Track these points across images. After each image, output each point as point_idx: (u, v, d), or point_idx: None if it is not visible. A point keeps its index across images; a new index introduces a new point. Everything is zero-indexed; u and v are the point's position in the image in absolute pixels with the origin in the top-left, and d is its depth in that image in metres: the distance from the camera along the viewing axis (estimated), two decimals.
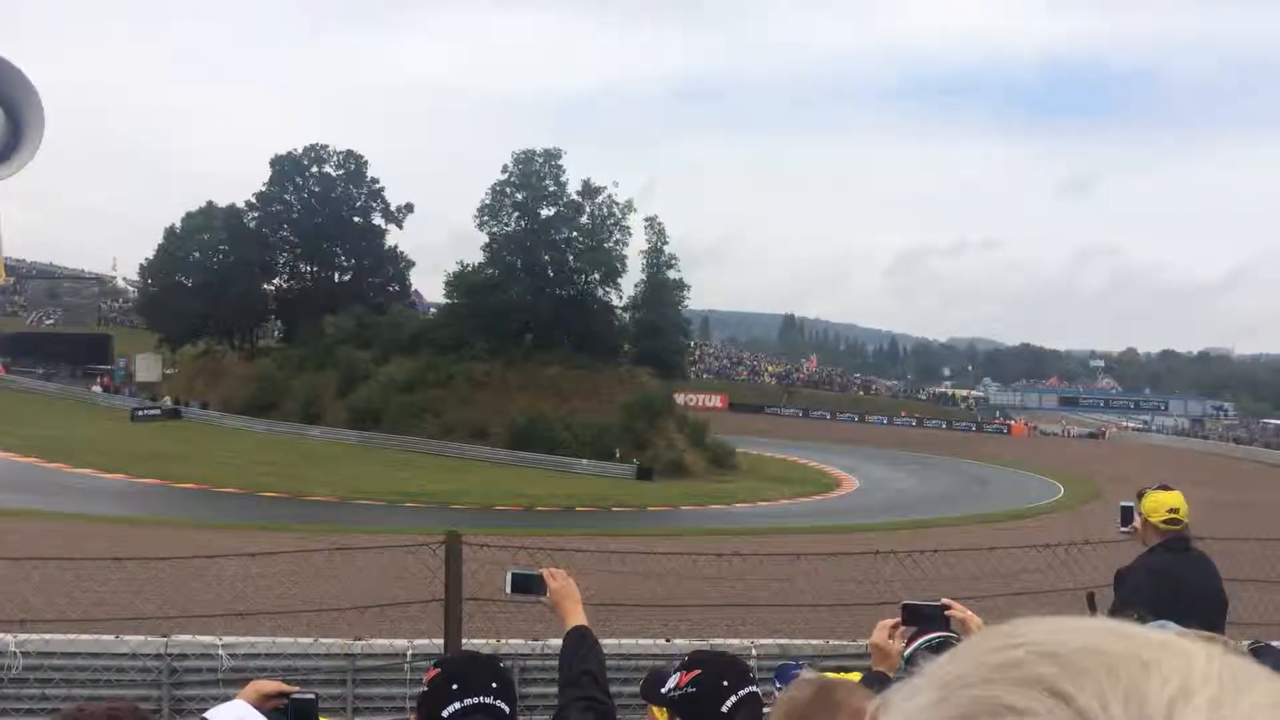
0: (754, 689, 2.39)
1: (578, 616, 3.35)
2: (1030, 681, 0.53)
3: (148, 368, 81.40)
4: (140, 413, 65.62)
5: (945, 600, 3.19)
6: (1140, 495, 5.37)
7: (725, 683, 2.35)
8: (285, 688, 3.04)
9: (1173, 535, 5.22)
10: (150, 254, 79.28)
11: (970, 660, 0.57)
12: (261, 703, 2.90)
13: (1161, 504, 5.29)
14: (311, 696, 3.05)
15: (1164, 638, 0.53)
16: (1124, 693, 0.50)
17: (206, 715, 2.79)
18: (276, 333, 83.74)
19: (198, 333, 77.83)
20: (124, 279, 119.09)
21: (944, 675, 0.58)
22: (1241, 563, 9.03)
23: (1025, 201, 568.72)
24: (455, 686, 2.35)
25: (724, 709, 2.31)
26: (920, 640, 2.99)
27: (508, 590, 3.52)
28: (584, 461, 54.98)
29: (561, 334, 66.50)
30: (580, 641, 3.24)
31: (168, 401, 70.30)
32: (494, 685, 2.38)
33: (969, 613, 3.14)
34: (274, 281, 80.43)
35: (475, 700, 2.33)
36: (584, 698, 3.06)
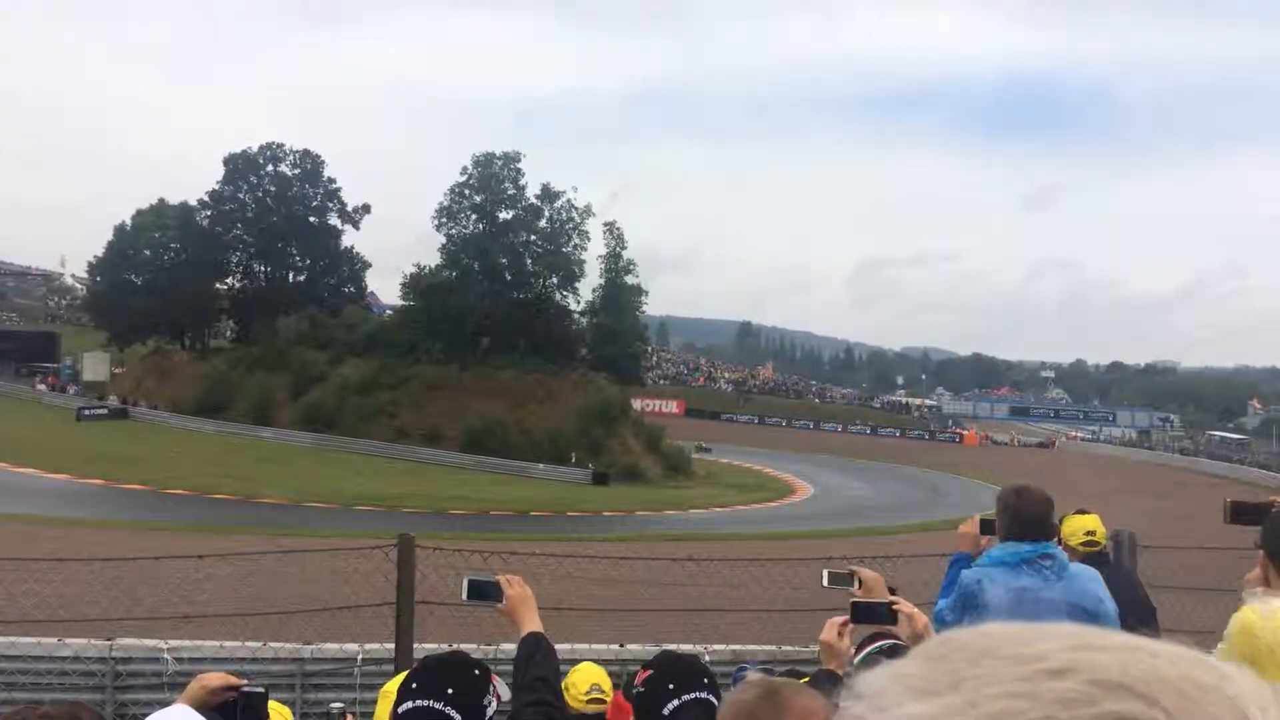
0: (702, 695, 2.37)
1: (533, 623, 3.39)
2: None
3: (95, 366, 79.90)
4: (86, 412, 64.35)
5: (893, 598, 3.24)
6: (1060, 520, 5.55)
7: (670, 686, 2.34)
8: (234, 680, 3.00)
9: (1090, 555, 5.53)
10: (99, 251, 77.87)
11: (1008, 689, 0.52)
12: (209, 697, 2.85)
13: (1079, 527, 5.71)
14: (261, 690, 3.02)
15: (1192, 657, 0.50)
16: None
17: (151, 717, 2.74)
18: (229, 333, 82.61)
19: (147, 331, 76.46)
20: (72, 276, 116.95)
21: (954, 704, 0.53)
22: (1190, 573, 9.22)
23: (982, 214, 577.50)
24: (672, 686, 2.37)
25: (665, 711, 2.30)
26: (872, 646, 3.02)
27: (464, 596, 3.55)
28: (539, 466, 54.79)
29: (518, 338, 66.25)
30: (535, 647, 3.27)
31: (115, 401, 69.04)
32: (705, 680, 2.37)
33: (915, 609, 3.22)
34: (227, 281, 79.27)
35: (693, 696, 2.34)
36: (538, 701, 3.08)
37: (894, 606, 3.21)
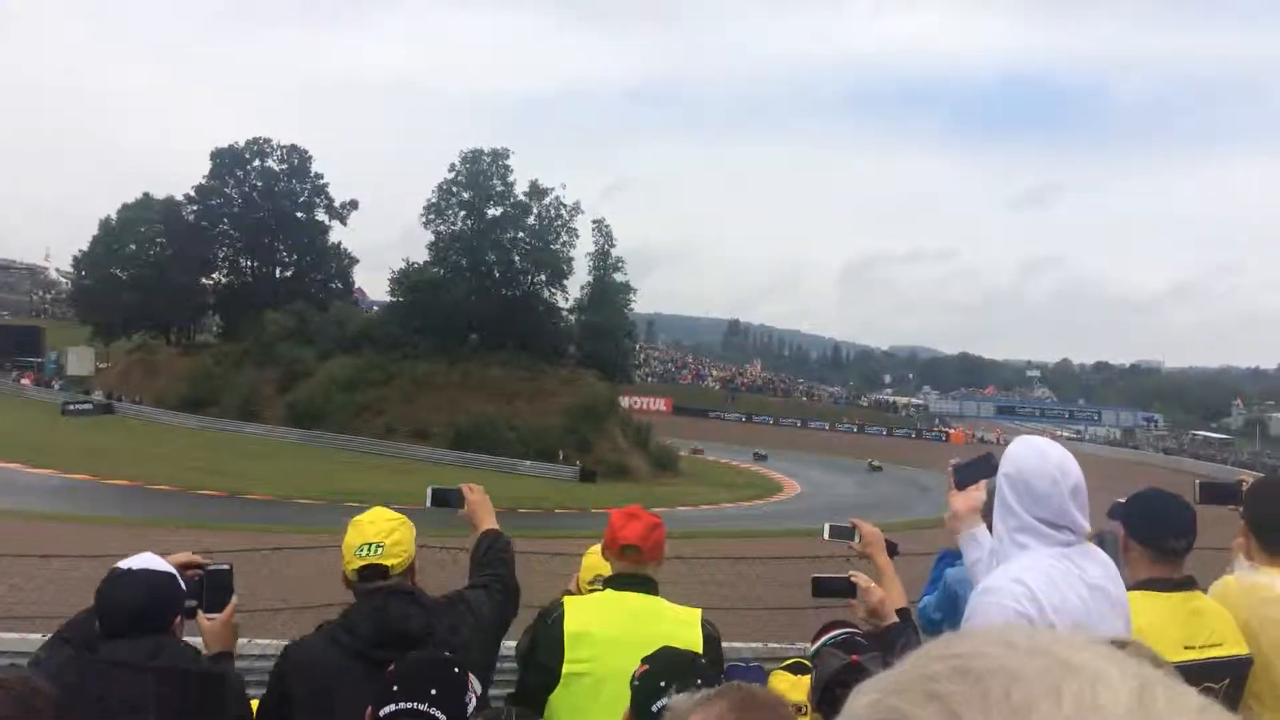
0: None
1: (491, 523, 3.68)
2: (934, 696, 0.54)
3: (80, 361, 79.49)
4: (71, 407, 63.88)
5: (852, 573, 3.30)
6: None
7: (663, 684, 2.34)
8: (198, 559, 3.05)
9: None
10: (85, 245, 77.45)
11: (910, 667, 0.58)
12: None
13: None
14: (226, 566, 3.05)
15: (1089, 658, 0.53)
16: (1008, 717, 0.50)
17: (117, 564, 2.76)
18: (215, 328, 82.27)
19: (132, 326, 76.10)
20: (57, 270, 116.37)
21: (889, 678, 0.59)
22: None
23: (970, 213, 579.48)
24: (665, 683, 2.32)
25: (654, 709, 2.30)
26: (827, 636, 3.05)
27: (428, 504, 3.74)
28: (527, 463, 54.75)
29: (506, 334, 66.18)
30: (495, 538, 3.58)
31: (100, 396, 68.64)
32: (433, 692, 2.37)
33: (873, 583, 3.25)
34: (213, 276, 78.98)
35: (410, 706, 2.33)
36: (494, 575, 3.39)
37: (851, 580, 3.26)
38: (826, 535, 3.79)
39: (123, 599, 2.66)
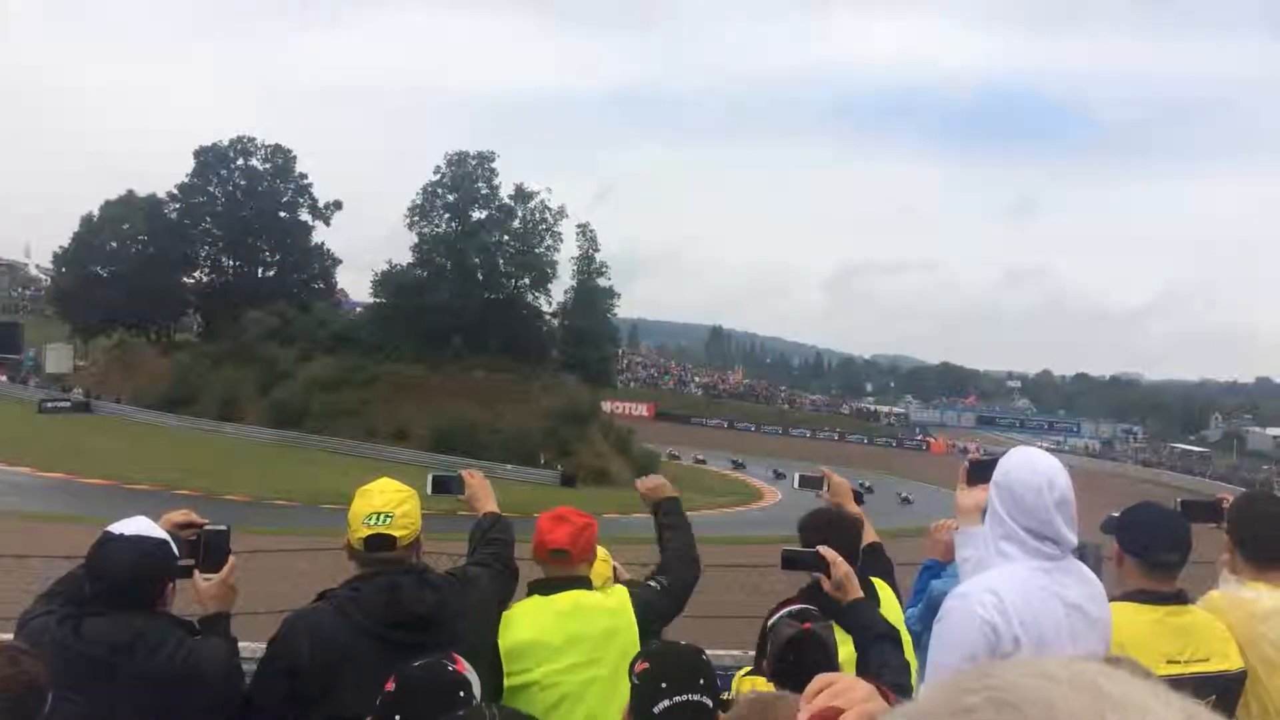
0: (695, 697, 2.31)
1: (491, 505, 3.75)
2: None
3: (58, 358, 78.86)
4: (48, 404, 63.36)
5: (820, 548, 3.33)
6: None
7: (664, 685, 2.31)
8: (196, 518, 3.02)
9: None
10: (65, 242, 76.80)
11: (941, 696, 0.57)
12: (174, 531, 2.87)
13: None
14: (224, 528, 3.03)
15: (1133, 692, 0.53)
16: None
17: (109, 528, 2.74)
18: (195, 327, 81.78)
19: (112, 324, 75.55)
20: (37, 267, 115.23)
21: (919, 708, 0.58)
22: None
23: (954, 223, 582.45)
24: (665, 684, 2.30)
25: (655, 710, 2.28)
26: (783, 611, 3.10)
27: (429, 491, 3.68)
28: (508, 467, 54.55)
29: (489, 338, 66.05)
30: (495, 519, 3.65)
31: (78, 393, 68.09)
32: (701, 681, 2.33)
33: (840, 558, 3.29)
34: (194, 275, 78.50)
35: (685, 698, 2.29)
36: (494, 554, 3.44)
37: (819, 553, 3.30)
38: (796, 485, 3.84)
39: (112, 566, 2.66)
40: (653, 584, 3.61)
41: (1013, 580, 2.57)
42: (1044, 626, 2.51)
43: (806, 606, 3.11)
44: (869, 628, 3.15)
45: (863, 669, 3.00)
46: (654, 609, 3.50)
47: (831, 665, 2.80)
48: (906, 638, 3.46)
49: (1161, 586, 3.01)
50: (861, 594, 3.26)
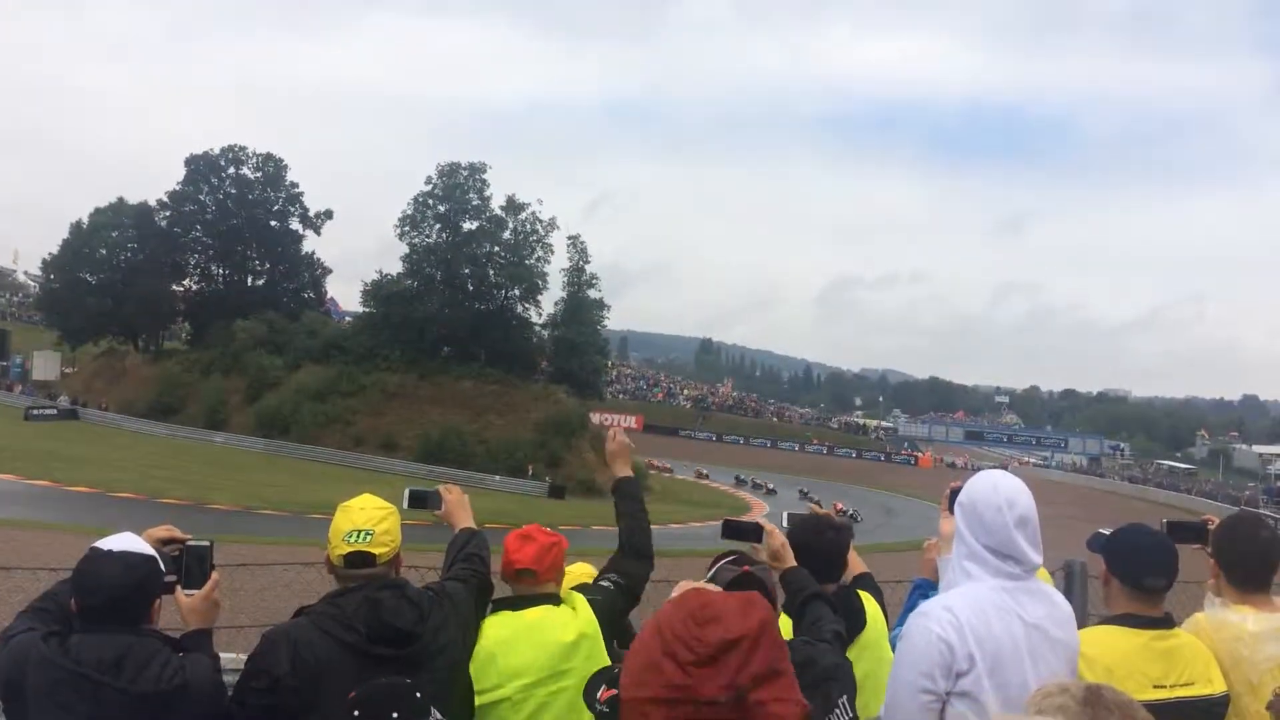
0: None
1: (468, 522, 3.71)
2: None
3: (45, 365, 78.47)
4: (34, 412, 63.00)
5: (759, 519, 3.51)
6: None
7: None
8: (178, 534, 3.01)
9: None
10: (54, 248, 76.56)
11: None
12: (155, 547, 2.85)
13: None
14: (207, 543, 3.02)
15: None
16: None
17: (96, 544, 2.72)
18: (184, 335, 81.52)
19: (100, 331, 75.32)
20: (25, 273, 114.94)
21: None
22: None
23: (943, 239, 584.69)
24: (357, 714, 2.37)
25: None
26: (724, 560, 3.22)
27: (405, 506, 3.65)
28: (496, 478, 54.50)
29: (478, 348, 66.02)
30: (471, 535, 3.59)
31: (64, 401, 67.73)
32: (395, 716, 2.37)
33: (776, 529, 3.44)
34: (184, 283, 78.36)
35: None
36: (472, 570, 3.41)
37: (759, 523, 3.46)
38: (721, 534, 3.87)
39: (101, 583, 2.63)
40: (605, 584, 3.60)
41: (972, 599, 2.60)
42: (1001, 645, 2.54)
43: (743, 553, 3.25)
44: (803, 589, 3.26)
45: (798, 627, 3.12)
46: (615, 610, 3.51)
47: (772, 602, 2.96)
48: (888, 655, 3.47)
49: (1149, 610, 3.01)
50: (795, 564, 3.38)
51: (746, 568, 3.06)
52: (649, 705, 1.66)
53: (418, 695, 2.42)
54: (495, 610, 3.37)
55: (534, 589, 3.38)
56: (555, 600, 3.37)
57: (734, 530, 3.54)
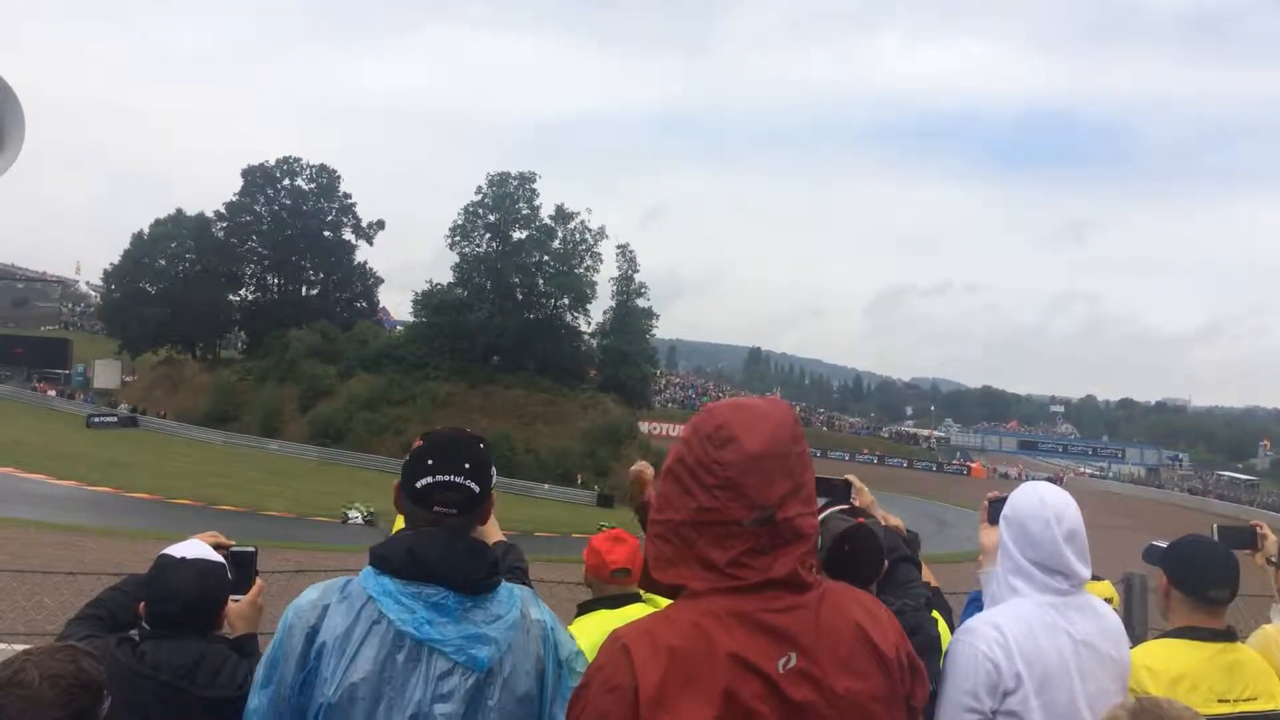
0: (459, 480, 2.45)
1: (498, 535, 3.62)
2: None
3: (106, 374, 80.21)
4: (96, 419, 64.44)
5: (848, 476, 3.45)
6: None
7: (430, 462, 2.40)
8: (224, 540, 3.05)
9: None
10: (116, 259, 78.37)
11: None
12: None
13: (1097, 594, 5.55)
14: (252, 549, 3.06)
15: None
16: None
17: (167, 551, 2.78)
18: (240, 344, 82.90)
19: (159, 341, 76.85)
20: (87, 283, 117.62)
21: None
22: None
23: (996, 248, 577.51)
24: (431, 462, 2.39)
25: (417, 485, 2.41)
26: (832, 509, 3.20)
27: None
28: (545, 486, 54.73)
29: (527, 357, 66.36)
30: (508, 547, 3.52)
31: (125, 409, 69.19)
32: (467, 465, 2.41)
33: (865, 487, 3.43)
34: (240, 292, 79.84)
35: (447, 479, 2.38)
36: (512, 567, 3.33)
37: (847, 479, 3.46)
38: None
39: (175, 590, 2.67)
40: None
41: (1018, 615, 2.56)
42: (1049, 662, 2.49)
43: (852, 505, 3.24)
44: (894, 550, 3.22)
45: (887, 586, 3.08)
46: None
47: (882, 557, 2.95)
48: None
49: (1210, 623, 2.98)
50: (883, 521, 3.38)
51: (861, 520, 3.02)
52: (683, 528, 1.76)
53: (481, 445, 2.52)
54: (590, 610, 3.43)
55: (626, 588, 3.47)
56: (641, 599, 3.45)
57: (825, 486, 3.47)
